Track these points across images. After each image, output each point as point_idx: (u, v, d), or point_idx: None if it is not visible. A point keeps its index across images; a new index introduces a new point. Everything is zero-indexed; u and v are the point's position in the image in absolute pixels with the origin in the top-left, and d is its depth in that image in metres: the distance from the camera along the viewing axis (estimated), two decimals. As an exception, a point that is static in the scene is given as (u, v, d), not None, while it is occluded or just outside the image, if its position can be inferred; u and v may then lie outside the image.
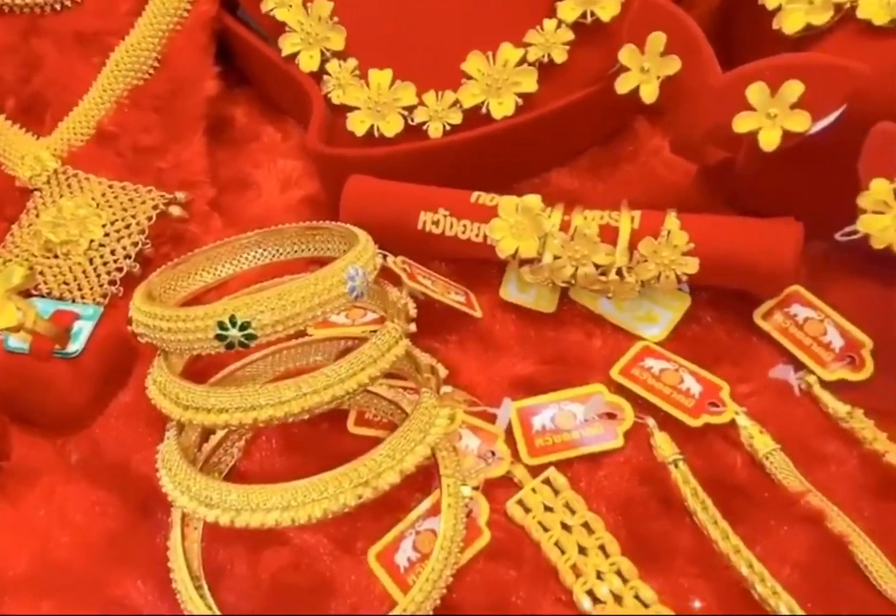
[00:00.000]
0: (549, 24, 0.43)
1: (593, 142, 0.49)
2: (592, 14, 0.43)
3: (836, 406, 0.34)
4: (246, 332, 0.31)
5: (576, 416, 0.35)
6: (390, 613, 0.28)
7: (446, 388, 0.36)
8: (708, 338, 0.38)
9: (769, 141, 0.35)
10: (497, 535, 0.32)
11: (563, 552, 0.31)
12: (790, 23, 0.37)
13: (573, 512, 0.32)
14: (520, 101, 0.44)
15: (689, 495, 0.32)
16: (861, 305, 0.38)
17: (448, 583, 0.29)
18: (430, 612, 0.29)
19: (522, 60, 0.44)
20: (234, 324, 0.31)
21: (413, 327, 0.35)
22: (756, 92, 0.35)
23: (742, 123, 0.35)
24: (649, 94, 0.38)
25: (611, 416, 0.35)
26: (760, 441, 0.33)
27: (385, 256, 0.38)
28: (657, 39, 0.37)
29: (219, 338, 0.31)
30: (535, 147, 0.45)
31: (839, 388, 0.35)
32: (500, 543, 0.32)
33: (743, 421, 0.34)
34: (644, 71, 0.38)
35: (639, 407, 0.36)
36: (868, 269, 0.39)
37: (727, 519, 0.31)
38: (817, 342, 0.37)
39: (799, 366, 0.36)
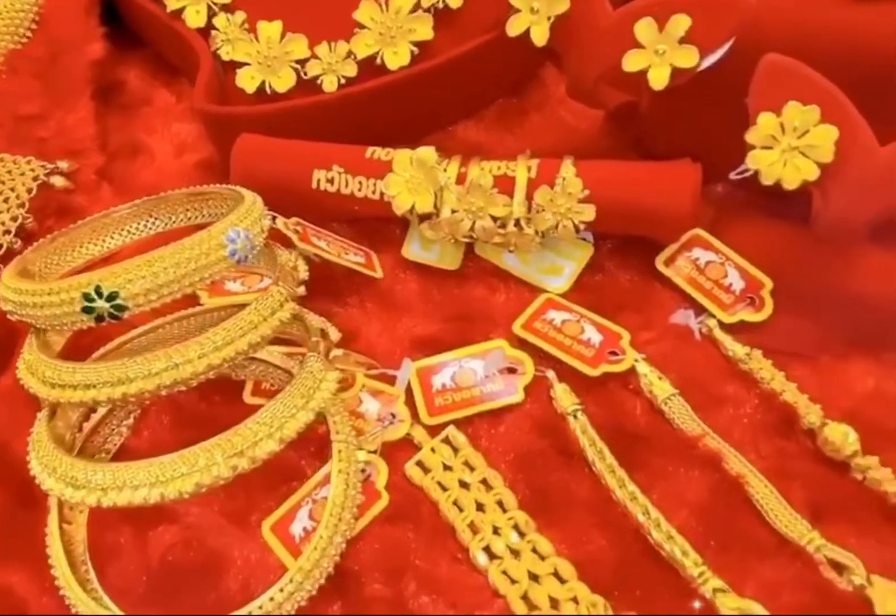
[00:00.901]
0: (441, -34, 0.41)
1: (500, 92, 0.47)
2: (485, -45, 0.41)
3: (734, 348, 0.34)
4: (114, 302, 0.29)
5: (476, 373, 0.34)
6: (276, 585, 0.27)
7: (343, 352, 0.35)
8: (611, 286, 0.37)
9: (658, 79, 0.33)
10: (396, 498, 0.31)
11: (461, 510, 0.31)
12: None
13: (473, 469, 0.32)
14: (416, 49, 0.42)
15: (587, 445, 0.31)
16: (762, 245, 0.38)
17: (341, 550, 0.29)
18: (322, 581, 0.28)
19: (416, 7, 0.42)
20: (100, 294, 0.29)
21: (302, 290, 0.34)
22: (644, 28, 0.34)
23: (631, 62, 0.34)
24: (540, 36, 0.36)
25: (511, 370, 0.35)
26: (659, 387, 0.33)
27: (274, 218, 0.36)
28: (545, -23, 0.36)
29: (86, 310, 0.29)
30: (436, 98, 0.44)
31: (740, 330, 0.35)
32: (398, 506, 0.31)
33: (642, 368, 0.34)
34: (534, 12, 0.36)
35: (542, 360, 0.35)
36: (769, 207, 0.38)
37: (627, 466, 0.31)
38: (718, 285, 0.37)
39: (701, 310, 0.36)
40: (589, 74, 0.37)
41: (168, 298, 0.31)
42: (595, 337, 0.36)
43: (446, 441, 0.33)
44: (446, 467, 0.32)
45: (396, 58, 0.42)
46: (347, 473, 0.29)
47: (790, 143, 0.31)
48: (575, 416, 0.33)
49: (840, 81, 0.32)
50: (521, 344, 0.36)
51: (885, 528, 0.29)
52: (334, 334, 0.33)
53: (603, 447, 0.31)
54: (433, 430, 0.33)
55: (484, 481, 0.31)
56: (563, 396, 0.33)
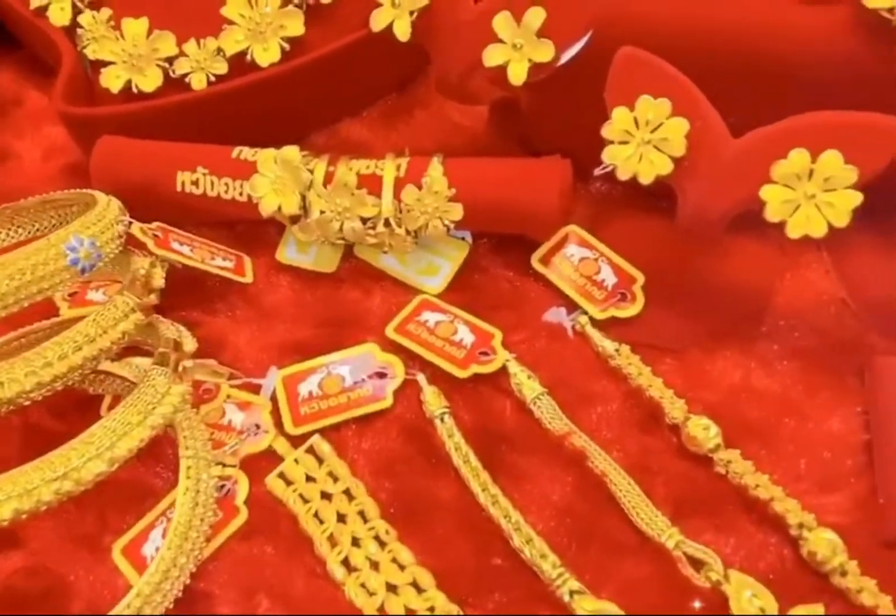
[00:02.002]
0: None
1: (385, 90, 0.46)
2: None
3: (604, 344, 0.34)
4: (-52, 315, 0.27)
5: (344, 379, 0.33)
6: (112, 611, 0.25)
7: (199, 362, 0.33)
8: (487, 286, 0.37)
9: (517, 74, 0.33)
10: (256, 513, 0.30)
11: (321, 523, 0.30)
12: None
13: (336, 480, 0.31)
14: (287, 46, 0.41)
15: (453, 449, 0.31)
16: (638, 241, 0.37)
17: (189, 571, 0.28)
18: (168, 604, 0.27)
19: (287, 2, 0.41)
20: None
21: (153, 299, 0.32)
22: (501, 22, 0.33)
23: (491, 57, 0.33)
24: (403, 31, 0.35)
25: (381, 375, 0.34)
26: (528, 386, 0.33)
27: (130, 223, 0.35)
28: (404, -30, 0.35)
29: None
30: (313, 96, 0.42)
31: (613, 326, 0.35)
32: (257, 521, 0.30)
33: (513, 367, 0.33)
34: (396, 5, 0.35)
35: (414, 363, 0.34)
36: (646, 203, 0.38)
37: (493, 469, 0.31)
38: (591, 281, 0.36)
39: (574, 307, 0.36)
40: (454, 70, 0.36)
41: (3, 312, 0.29)
42: (467, 337, 0.35)
43: (311, 451, 0.32)
44: (309, 478, 0.31)
45: (267, 54, 0.40)
46: (196, 491, 0.28)
47: (643, 138, 0.31)
48: (442, 420, 0.32)
49: (702, 74, 0.32)
50: (395, 347, 0.35)
51: (745, 521, 0.29)
52: (190, 344, 0.31)
53: (468, 451, 0.31)
54: (299, 441, 0.32)
55: (347, 491, 0.30)
56: (432, 400, 0.32)
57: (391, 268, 0.38)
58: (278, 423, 0.32)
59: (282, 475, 0.31)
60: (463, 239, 0.39)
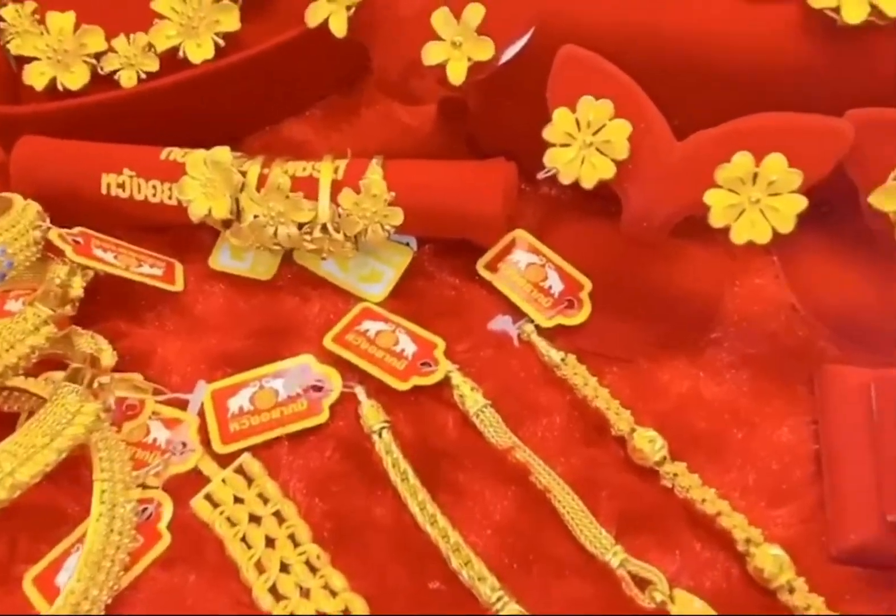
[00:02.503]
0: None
1: (329, 88, 0.44)
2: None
3: (550, 353, 0.33)
4: None
5: (278, 393, 0.32)
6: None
7: (118, 377, 0.31)
8: (432, 293, 0.35)
9: (456, 73, 0.31)
10: (179, 537, 0.28)
11: (249, 547, 0.28)
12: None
13: (267, 501, 0.29)
14: (221, 42, 0.39)
15: (390, 466, 0.29)
16: (585, 246, 0.36)
17: (104, 603, 0.26)
18: (78, 639, 0.25)
19: (222, -5, 0.40)
20: None
21: (69, 310, 0.30)
22: (440, 19, 0.32)
23: (430, 54, 0.32)
24: (339, 26, 0.34)
25: (317, 388, 0.32)
26: (471, 399, 0.31)
27: (49, 228, 0.32)
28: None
29: None
30: (250, 94, 0.40)
31: (559, 334, 0.34)
32: (180, 547, 0.28)
33: (456, 379, 0.32)
34: (331, 0, 0.34)
35: (353, 375, 0.33)
36: (594, 207, 0.37)
37: (433, 486, 0.29)
38: (538, 288, 0.35)
39: (521, 315, 0.35)
40: (394, 68, 0.34)
41: None
42: (409, 348, 0.33)
43: (240, 470, 0.30)
44: (238, 500, 0.29)
45: (200, 51, 0.38)
46: (111, 517, 0.26)
47: (585, 140, 0.30)
48: (380, 435, 0.30)
49: (647, 75, 0.31)
50: (333, 358, 0.33)
51: (691, 537, 0.28)
52: (108, 358, 0.29)
53: (407, 467, 0.29)
54: (228, 459, 0.30)
55: (277, 513, 0.29)
56: (370, 414, 0.31)
57: (332, 274, 0.37)
58: (206, 441, 0.31)
59: (208, 497, 0.29)
60: (407, 244, 0.37)
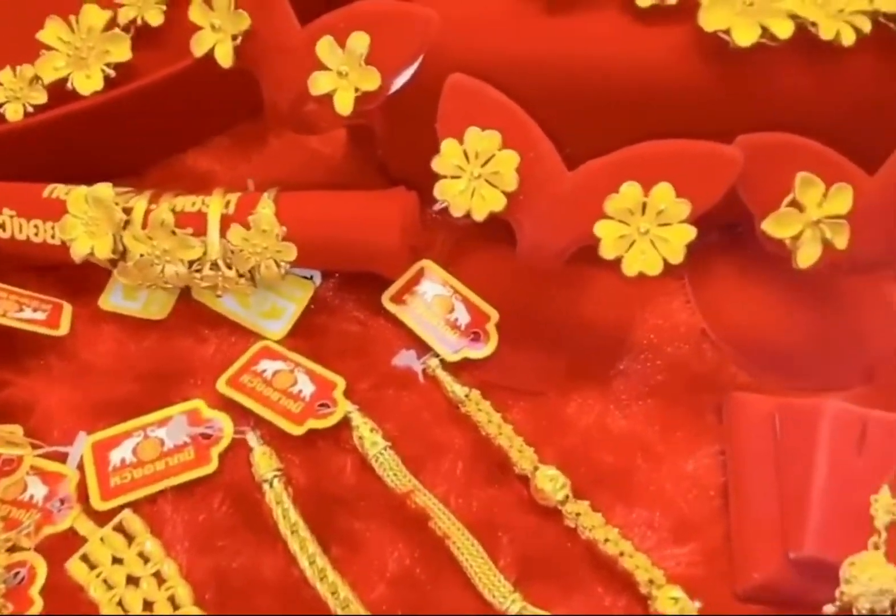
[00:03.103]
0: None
1: (234, 117, 0.43)
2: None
3: (455, 389, 0.32)
4: None
5: (163, 443, 0.30)
6: None
7: (15, 428, 0.29)
8: (335, 328, 0.34)
9: (344, 103, 0.30)
10: (52, 603, 0.26)
11: (125, 612, 0.26)
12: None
13: (147, 560, 0.27)
14: (111, 72, 0.37)
15: (281, 517, 0.28)
16: (493, 277, 0.35)
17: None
18: None
19: (112, 24, 0.38)
20: None
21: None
22: (325, 48, 0.31)
23: (317, 84, 0.31)
24: (224, 56, 0.32)
25: (206, 436, 0.31)
26: (370, 440, 0.30)
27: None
28: (226, -8, 0.32)
29: None
30: (144, 126, 0.39)
31: (465, 368, 0.33)
32: (54, 613, 0.26)
33: (355, 420, 0.31)
34: (216, 29, 0.33)
35: (248, 419, 0.31)
36: (502, 237, 0.36)
37: (328, 536, 0.28)
38: (444, 321, 0.33)
39: (427, 349, 0.34)
40: (283, 98, 0.33)
41: None
42: (307, 388, 0.32)
43: (119, 528, 0.28)
44: (116, 560, 0.27)
45: (89, 82, 0.37)
46: (-34, 588, 0.24)
47: (474, 172, 0.29)
48: (271, 484, 0.29)
49: (537, 103, 0.30)
50: (225, 402, 0.32)
51: (594, 580, 0.27)
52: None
53: (298, 519, 0.28)
54: (107, 516, 0.28)
55: (157, 574, 0.27)
56: (262, 461, 0.29)
57: (233, 311, 0.35)
58: (86, 497, 0.29)
59: (84, 558, 0.28)
60: (311, 278, 0.36)
